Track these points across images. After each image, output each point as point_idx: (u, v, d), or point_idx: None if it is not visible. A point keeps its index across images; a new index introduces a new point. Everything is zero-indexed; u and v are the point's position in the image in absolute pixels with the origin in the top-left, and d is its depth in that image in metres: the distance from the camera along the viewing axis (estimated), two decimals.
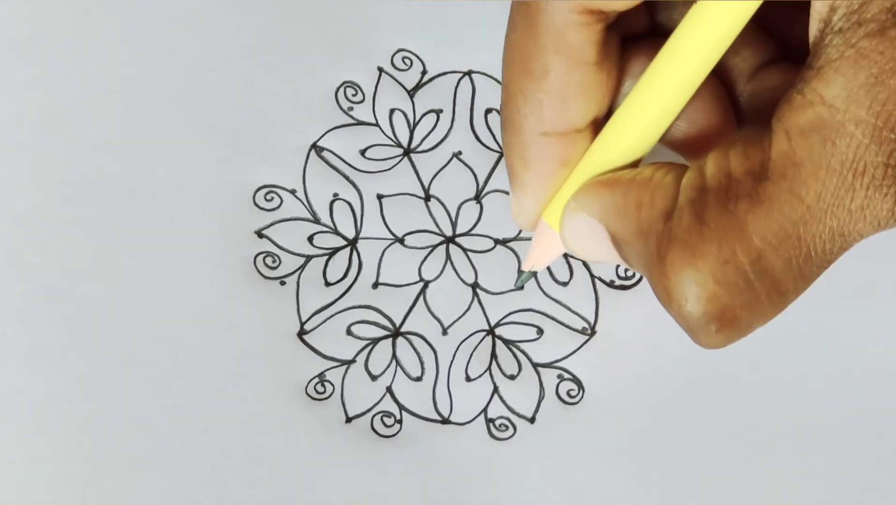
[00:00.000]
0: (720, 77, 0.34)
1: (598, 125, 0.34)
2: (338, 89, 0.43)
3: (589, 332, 0.41)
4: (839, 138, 0.28)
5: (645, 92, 0.32)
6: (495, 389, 0.40)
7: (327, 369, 0.40)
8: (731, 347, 0.40)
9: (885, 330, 0.40)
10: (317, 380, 0.40)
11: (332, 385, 0.40)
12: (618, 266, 0.41)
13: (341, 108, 0.42)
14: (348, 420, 0.40)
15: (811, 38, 0.29)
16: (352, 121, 0.42)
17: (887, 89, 0.28)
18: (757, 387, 0.40)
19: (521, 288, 0.41)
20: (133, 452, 0.39)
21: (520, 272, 0.37)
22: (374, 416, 0.40)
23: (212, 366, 0.40)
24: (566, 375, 0.40)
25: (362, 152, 0.42)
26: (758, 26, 0.34)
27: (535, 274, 0.37)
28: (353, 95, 0.43)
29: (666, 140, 0.34)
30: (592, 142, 0.33)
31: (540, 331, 0.41)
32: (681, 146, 0.34)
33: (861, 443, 0.39)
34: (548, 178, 0.34)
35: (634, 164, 0.33)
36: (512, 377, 0.40)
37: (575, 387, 0.40)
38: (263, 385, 0.39)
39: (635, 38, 0.34)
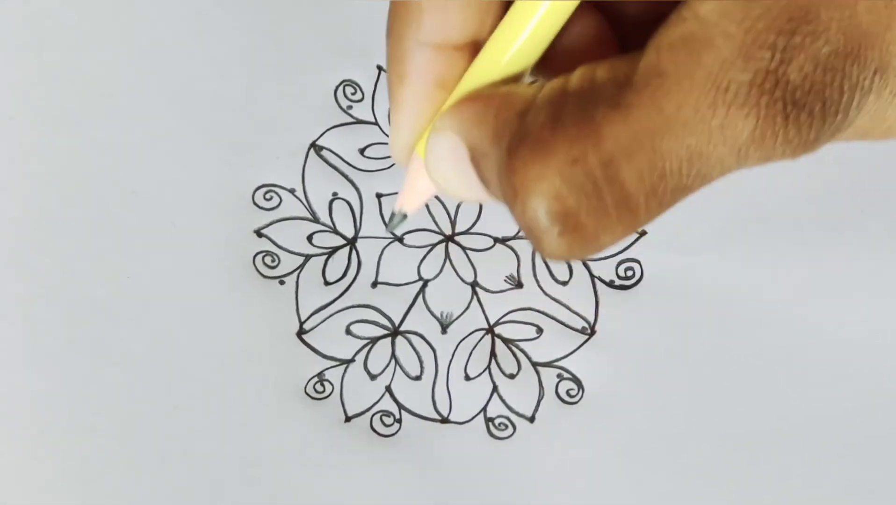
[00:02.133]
0: (609, 11, 0.33)
1: (477, 49, 0.32)
2: (337, 88, 0.42)
3: (588, 331, 0.41)
4: (706, 52, 0.27)
5: (520, 12, 0.30)
6: (495, 389, 0.40)
7: (326, 369, 0.40)
8: (730, 347, 0.40)
9: (886, 330, 0.40)
10: (316, 379, 0.40)
11: (332, 384, 0.40)
12: (617, 266, 0.41)
13: (340, 107, 0.42)
14: (347, 419, 0.40)
15: None
16: (351, 119, 0.42)
17: (760, 6, 0.27)
18: (757, 387, 0.40)
19: (394, 234, 0.40)
20: (132, 452, 0.39)
21: (392, 214, 0.35)
22: (373, 415, 0.40)
23: (211, 365, 0.40)
24: (566, 375, 0.40)
25: (361, 151, 0.42)
26: None
27: (405, 217, 0.35)
28: (353, 94, 0.43)
29: (543, 69, 0.32)
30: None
31: (539, 330, 0.41)
32: (556, 72, 0.33)
33: (861, 443, 0.39)
34: (423, 98, 0.32)
35: None
36: (511, 376, 0.40)
37: (574, 386, 0.40)
38: (262, 384, 0.40)
39: None
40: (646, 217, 0.28)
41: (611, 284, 0.41)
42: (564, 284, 0.41)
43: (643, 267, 0.41)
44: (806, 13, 0.27)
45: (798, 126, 0.27)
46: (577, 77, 0.29)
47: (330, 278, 0.41)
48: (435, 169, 0.31)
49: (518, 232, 0.41)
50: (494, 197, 0.31)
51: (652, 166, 0.28)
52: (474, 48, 0.32)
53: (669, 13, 0.28)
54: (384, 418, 0.40)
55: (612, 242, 0.29)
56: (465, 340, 0.41)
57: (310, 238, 0.41)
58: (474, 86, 0.32)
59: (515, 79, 0.31)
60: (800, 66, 0.27)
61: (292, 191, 0.42)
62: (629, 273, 0.41)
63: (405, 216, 0.34)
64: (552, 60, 0.32)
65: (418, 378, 0.40)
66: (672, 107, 0.27)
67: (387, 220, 0.39)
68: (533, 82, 0.31)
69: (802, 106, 0.27)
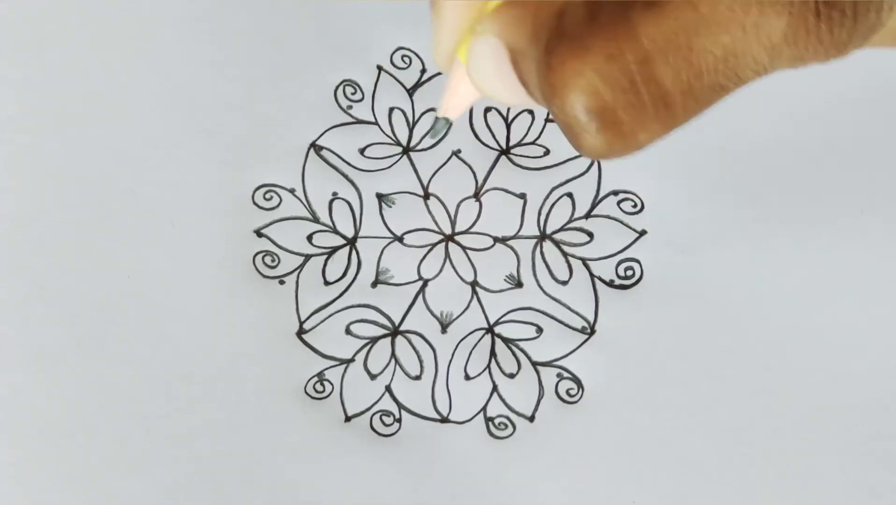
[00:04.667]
0: None
1: None
2: (337, 88, 0.42)
3: (588, 331, 0.41)
4: None
5: None
6: (494, 388, 0.40)
7: (326, 368, 0.40)
8: (730, 347, 0.40)
9: (885, 330, 0.40)
10: (316, 379, 0.40)
11: (332, 384, 0.40)
12: (617, 266, 0.41)
13: (340, 107, 0.42)
14: (347, 419, 0.40)
15: None
16: (351, 119, 0.42)
17: None
18: (757, 386, 0.40)
19: (434, 138, 0.40)
20: (132, 452, 0.39)
21: (435, 120, 0.35)
22: (373, 415, 0.40)
23: (211, 365, 0.40)
24: (565, 374, 0.40)
25: (361, 151, 0.42)
26: None
27: (449, 123, 0.35)
28: (353, 94, 0.42)
29: None
30: None
31: (539, 329, 0.41)
32: None
33: (861, 443, 0.39)
34: (464, 5, 0.33)
35: None
36: (511, 376, 0.40)
37: (574, 386, 0.40)
38: (263, 384, 0.40)
39: None
40: (683, 115, 0.29)
41: (611, 284, 0.41)
42: (564, 283, 0.41)
43: (643, 267, 0.41)
44: None
45: (830, 26, 0.28)
46: None
47: (330, 278, 0.41)
48: (476, 72, 0.32)
49: (518, 231, 0.41)
50: (534, 98, 0.31)
51: (688, 64, 0.28)
52: None
53: None
54: (384, 418, 0.40)
55: (650, 141, 0.29)
56: (465, 339, 0.41)
57: (310, 238, 0.41)
58: None
59: None
60: None
61: (292, 191, 0.42)
62: (629, 273, 0.41)
63: (449, 122, 0.35)
64: None
65: (418, 378, 0.40)
66: (706, 6, 0.28)
67: (430, 127, 0.38)
68: None
69: (834, 5, 0.28)
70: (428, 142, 0.39)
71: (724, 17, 0.28)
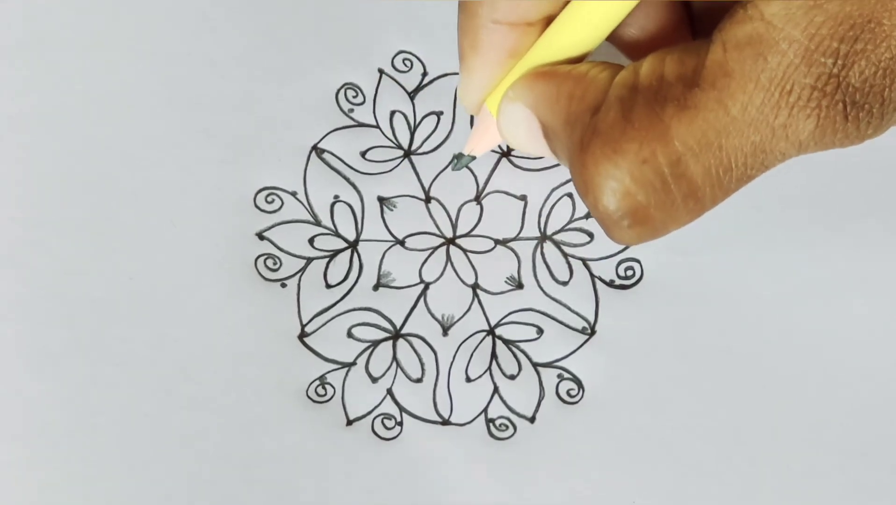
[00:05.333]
0: None
1: (550, 22, 0.34)
2: (338, 91, 0.43)
3: (589, 331, 0.41)
4: (771, 55, 0.28)
5: None
6: (495, 390, 0.40)
7: (328, 372, 0.40)
8: (730, 347, 0.40)
9: (885, 330, 0.41)
10: (317, 382, 0.40)
11: (333, 387, 0.40)
12: (617, 266, 0.41)
13: (342, 110, 0.43)
14: (349, 423, 0.40)
15: None
16: (352, 122, 0.43)
17: (824, 13, 0.28)
18: (757, 387, 0.40)
19: (457, 170, 0.41)
20: (133, 454, 0.38)
21: (459, 155, 0.37)
22: (374, 418, 0.40)
23: (212, 368, 0.39)
24: (566, 375, 0.40)
25: (363, 154, 0.42)
26: None
27: (472, 158, 0.38)
28: (354, 97, 0.43)
29: (615, 41, 0.34)
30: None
31: (540, 331, 0.41)
32: (628, 49, 0.35)
33: (861, 443, 0.40)
34: (495, 65, 0.34)
35: (578, 61, 0.33)
36: (512, 377, 0.40)
37: (575, 386, 0.40)
38: (264, 388, 0.39)
39: None
40: (711, 204, 0.31)
41: (611, 284, 0.41)
42: (565, 284, 0.41)
43: (643, 267, 0.41)
44: (868, 21, 0.28)
45: (857, 123, 0.29)
46: (646, 70, 0.30)
47: (331, 281, 0.41)
48: (508, 133, 0.34)
49: (518, 234, 0.42)
50: (562, 164, 0.33)
51: (718, 162, 0.29)
52: (547, 22, 0.34)
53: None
54: (385, 421, 0.40)
55: (679, 227, 0.31)
56: (466, 341, 0.41)
57: (311, 241, 0.41)
58: (546, 56, 0.33)
59: (586, 53, 0.33)
60: (860, 70, 0.28)
61: (294, 194, 0.42)
62: (629, 273, 0.41)
63: (473, 158, 0.38)
64: (624, 36, 0.34)
65: (419, 381, 0.40)
66: (738, 108, 0.29)
67: (454, 161, 0.40)
68: (598, 63, 0.32)
69: (862, 106, 0.29)
70: (456, 167, 0.40)
71: (754, 118, 0.29)
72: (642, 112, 0.29)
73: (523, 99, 0.33)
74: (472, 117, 0.42)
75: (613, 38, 0.34)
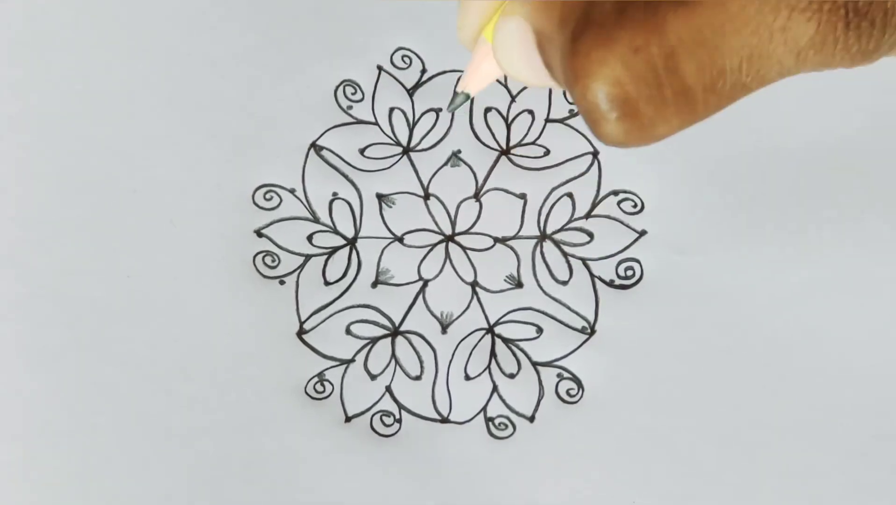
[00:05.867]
0: None
1: None
2: (337, 88, 0.42)
3: (588, 331, 0.41)
4: None
5: None
6: (494, 388, 0.40)
7: (326, 369, 0.40)
8: (730, 347, 0.40)
9: (886, 330, 0.40)
10: (316, 379, 0.40)
11: (332, 384, 0.40)
12: (617, 266, 0.41)
13: (341, 107, 0.42)
14: (348, 419, 0.40)
15: None
16: (351, 119, 0.42)
17: None
18: (757, 386, 0.40)
19: (452, 112, 0.40)
20: (133, 452, 0.39)
21: (454, 94, 0.36)
22: (373, 415, 0.40)
23: (211, 365, 0.40)
24: (565, 374, 0.40)
25: (362, 151, 0.42)
26: None
27: (468, 97, 0.36)
28: (353, 94, 0.43)
29: None
30: None
31: (539, 330, 0.41)
32: None
33: (862, 443, 0.39)
34: None
35: None
36: (511, 376, 0.40)
37: (574, 386, 0.40)
38: (263, 384, 0.40)
39: None
40: (703, 111, 0.29)
41: (611, 284, 0.41)
42: (564, 283, 0.41)
43: (643, 267, 0.41)
44: None
45: (858, 34, 0.28)
46: None
47: (330, 278, 0.41)
48: (502, 52, 0.32)
49: (518, 232, 0.41)
50: (557, 81, 0.31)
51: (713, 62, 0.28)
52: None
53: None
54: (384, 418, 0.40)
55: (668, 133, 0.29)
56: (465, 339, 0.41)
57: (310, 238, 0.41)
58: None
59: None
60: None
61: (292, 191, 0.42)
62: (629, 273, 0.41)
63: (468, 97, 0.36)
64: None
65: (418, 378, 0.40)
66: (736, 6, 0.28)
67: (449, 100, 0.39)
68: None
69: (864, 14, 0.28)
70: (450, 108, 0.39)
71: (753, 18, 0.28)
72: (638, 4, 0.28)
73: (518, 11, 0.32)
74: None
75: None
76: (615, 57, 0.28)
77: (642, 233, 0.41)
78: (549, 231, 0.41)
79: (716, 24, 0.28)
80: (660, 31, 0.28)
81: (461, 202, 0.42)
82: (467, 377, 0.40)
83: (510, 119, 0.42)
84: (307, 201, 0.42)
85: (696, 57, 0.28)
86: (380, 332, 0.41)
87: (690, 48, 0.28)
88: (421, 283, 0.41)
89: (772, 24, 0.28)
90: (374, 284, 0.41)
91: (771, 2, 0.28)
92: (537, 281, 0.41)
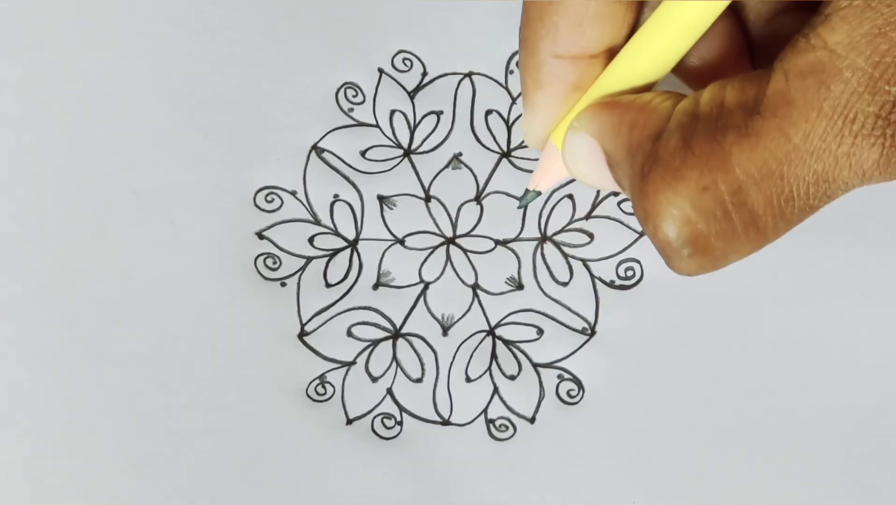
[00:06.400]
0: (738, 18, 0.35)
1: (613, 53, 0.34)
2: (338, 90, 0.43)
3: (589, 332, 0.41)
4: (834, 83, 0.28)
5: (658, 23, 0.32)
6: (495, 390, 0.40)
7: (328, 371, 0.40)
8: (731, 347, 0.40)
9: (885, 330, 0.41)
10: (317, 381, 0.40)
11: (333, 387, 0.40)
12: (617, 266, 0.41)
13: (342, 110, 0.43)
14: (349, 422, 0.40)
15: None
16: (352, 122, 0.42)
17: (888, 41, 0.28)
18: (756, 387, 0.40)
19: (524, 208, 0.41)
20: (133, 453, 0.38)
21: (525, 192, 0.37)
22: (374, 417, 0.40)
23: (212, 367, 0.39)
24: (566, 376, 0.40)
25: (363, 153, 0.42)
26: None
27: (538, 194, 0.37)
28: (354, 96, 0.43)
29: (678, 72, 0.34)
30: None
31: (540, 331, 0.41)
32: (691, 79, 0.35)
33: (862, 443, 0.40)
34: (558, 100, 0.34)
35: (643, 91, 0.33)
36: (512, 378, 0.40)
37: (575, 387, 0.40)
38: (264, 387, 0.39)
39: None
40: (773, 235, 0.30)
41: (611, 284, 0.41)
42: (565, 284, 0.41)
43: (643, 267, 0.41)
44: None
45: None
46: (706, 99, 0.30)
47: (331, 280, 0.41)
48: (573, 164, 0.34)
49: (519, 234, 0.42)
50: (626, 194, 0.32)
51: (780, 191, 0.29)
52: (610, 54, 0.34)
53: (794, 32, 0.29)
54: (385, 421, 0.40)
55: (741, 258, 0.30)
56: (466, 341, 0.41)
57: (311, 240, 0.41)
58: (611, 88, 0.33)
59: (650, 84, 0.33)
60: None
61: (293, 193, 0.42)
62: (629, 273, 0.41)
63: (539, 194, 0.37)
64: (686, 66, 0.34)
65: (419, 380, 0.40)
66: (800, 136, 0.28)
67: (520, 196, 0.40)
68: (661, 92, 0.32)
69: None
70: (521, 204, 0.40)
71: (817, 147, 0.28)
72: (703, 139, 0.29)
73: (587, 128, 0.33)
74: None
75: (675, 68, 0.34)
76: (684, 197, 0.29)
77: (642, 233, 0.41)
78: (549, 233, 0.42)
79: (780, 154, 0.29)
80: (726, 166, 0.29)
81: (462, 205, 0.42)
82: (468, 379, 0.40)
83: (511, 122, 0.43)
84: (308, 203, 0.42)
85: (763, 189, 0.29)
86: (381, 334, 0.41)
87: (757, 180, 0.29)
88: (422, 285, 0.41)
89: (836, 151, 0.29)
90: (376, 287, 0.41)
91: (834, 129, 0.28)
92: (538, 282, 0.41)
